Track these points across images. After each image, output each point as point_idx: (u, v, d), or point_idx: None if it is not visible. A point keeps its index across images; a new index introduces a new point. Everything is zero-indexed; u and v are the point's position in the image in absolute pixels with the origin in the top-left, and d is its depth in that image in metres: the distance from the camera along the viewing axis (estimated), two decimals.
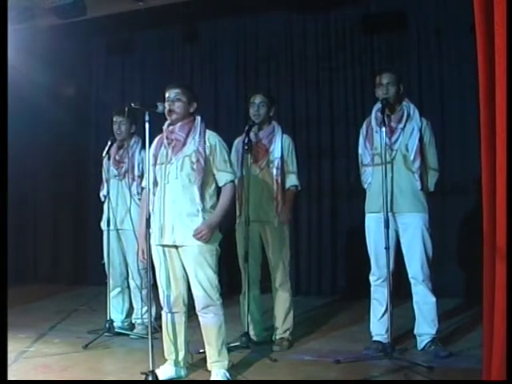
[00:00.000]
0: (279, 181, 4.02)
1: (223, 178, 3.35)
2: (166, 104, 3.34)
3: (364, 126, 4.00)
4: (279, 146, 4.05)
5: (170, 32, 6.81)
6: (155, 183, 3.37)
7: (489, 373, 2.56)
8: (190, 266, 3.29)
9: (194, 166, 3.28)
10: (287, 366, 3.67)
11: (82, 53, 7.12)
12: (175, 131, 3.36)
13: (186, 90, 3.39)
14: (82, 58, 7.16)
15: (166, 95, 3.38)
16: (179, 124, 3.36)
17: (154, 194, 3.36)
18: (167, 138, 3.38)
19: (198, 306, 3.30)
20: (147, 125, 3.24)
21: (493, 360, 2.52)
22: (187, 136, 3.35)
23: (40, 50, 6.17)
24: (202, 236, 3.23)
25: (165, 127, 3.41)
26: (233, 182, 3.39)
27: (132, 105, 3.27)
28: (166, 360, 3.44)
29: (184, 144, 3.34)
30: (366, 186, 3.97)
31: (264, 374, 3.48)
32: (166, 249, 3.34)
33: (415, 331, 3.86)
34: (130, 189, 4.47)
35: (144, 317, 4.46)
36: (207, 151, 3.31)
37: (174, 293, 3.37)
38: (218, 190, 3.43)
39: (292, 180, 4.11)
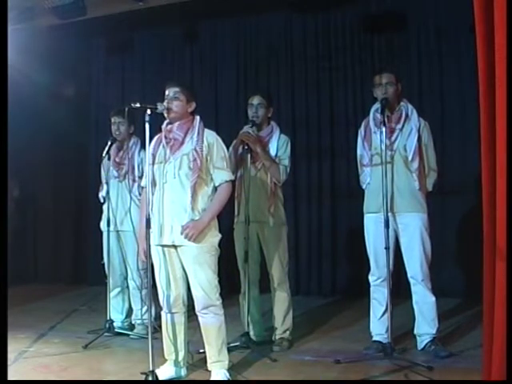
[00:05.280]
0: (273, 180, 4.01)
1: (219, 177, 3.32)
2: (165, 102, 3.34)
3: (362, 127, 4.00)
4: (275, 145, 4.06)
5: (170, 32, 6.81)
6: (154, 183, 3.37)
7: (489, 373, 2.56)
8: (189, 266, 3.28)
9: (191, 165, 3.27)
10: (287, 366, 3.66)
11: (81, 53, 7.12)
12: (173, 130, 3.36)
13: (184, 89, 3.39)
14: (82, 58, 7.17)
15: (166, 93, 3.38)
16: (177, 123, 3.36)
17: (152, 194, 3.35)
18: (166, 137, 3.38)
19: (198, 306, 3.30)
20: (147, 125, 3.24)
21: (493, 360, 2.52)
22: (185, 135, 3.34)
23: (40, 50, 6.16)
24: (187, 234, 3.21)
25: (163, 126, 3.41)
26: (229, 182, 3.35)
27: (132, 105, 3.27)
28: (165, 360, 3.44)
29: (182, 143, 3.33)
30: (364, 187, 3.97)
31: (264, 374, 3.48)
32: (166, 249, 3.33)
33: (415, 331, 3.86)
34: (130, 190, 4.46)
35: (144, 317, 4.46)
36: (205, 150, 3.30)
37: (173, 293, 3.36)
38: None
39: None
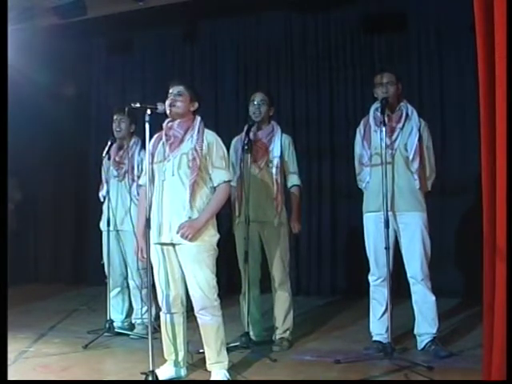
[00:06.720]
0: (278, 180, 4.01)
1: (218, 177, 3.32)
2: (169, 99, 3.34)
3: (361, 125, 3.99)
4: (278, 145, 4.06)
5: (170, 32, 6.81)
6: (153, 181, 3.36)
7: (489, 373, 2.56)
8: (187, 265, 3.28)
9: (190, 164, 3.27)
10: (287, 366, 3.66)
11: (82, 53, 7.12)
12: (174, 128, 3.36)
13: (189, 88, 3.41)
14: (82, 58, 7.17)
15: (170, 91, 3.39)
16: (178, 121, 3.36)
17: (152, 193, 3.35)
18: (166, 134, 3.38)
19: (196, 306, 3.29)
20: (147, 125, 3.24)
21: (493, 360, 2.52)
22: (185, 133, 3.34)
23: (40, 49, 6.16)
24: (183, 234, 3.20)
25: (164, 124, 3.41)
26: (228, 182, 3.35)
27: (132, 105, 3.27)
28: (165, 360, 3.44)
29: (181, 141, 3.33)
30: (363, 186, 3.96)
31: (264, 374, 3.48)
32: (165, 248, 3.33)
33: (415, 331, 3.86)
34: (129, 190, 4.47)
35: (144, 317, 4.47)
36: (204, 149, 3.29)
37: (172, 293, 3.36)
38: None
39: (294, 179, 4.13)
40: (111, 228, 4.47)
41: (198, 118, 3.41)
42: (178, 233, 3.22)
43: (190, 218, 3.24)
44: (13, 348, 3.87)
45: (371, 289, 3.93)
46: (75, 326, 4.82)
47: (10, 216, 6.52)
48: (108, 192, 4.51)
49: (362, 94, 6.00)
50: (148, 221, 3.22)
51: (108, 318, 4.41)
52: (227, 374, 3.30)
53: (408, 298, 3.90)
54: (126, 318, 4.68)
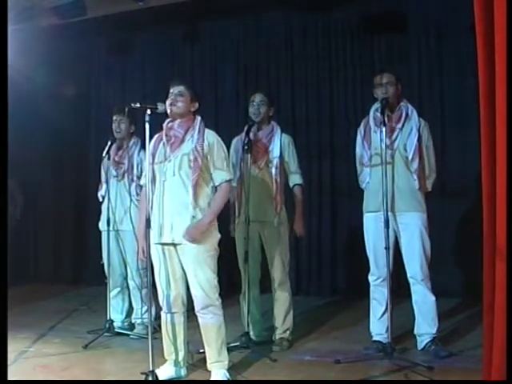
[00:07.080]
0: (278, 180, 4.02)
1: (219, 176, 3.34)
2: (169, 99, 3.35)
3: (362, 126, 4.00)
4: (278, 145, 4.06)
5: (170, 32, 6.81)
6: (153, 181, 3.37)
7: (489, 373, 2.56)
8: (188, 265, 3.29)
9: (191, 164, 3.27)
10: (287, 366, 3.67)
11: (81, 53, 7.12)
12: (174, 128, 3.37)
13: (189, 88, 3.42)
14: (82, 58, 7.16)
15: (170, 91, 3.40)
16: (178, 121, 3.37)
17: (152, 193, 3.36)
18: (166, 135, 3.39)
19: (197, 306, 3.30)
20: (147, 125, 3.24)
21: (493, 360, 2.52)
22: (186, 133, 3.35)
23: (40, 49, 6.16)
24: (190, 237, 3.22)
25: (164, 124, 3.42)
26: (229, 181, 3.37)
27: (132, 105, 3.27)
28: (165, 360, 3.44)
29: (182, 141, 3.34)
30: (363, 186, 3.97)
31: (264, 374, 3.48)
32: (166, 248, 3.33)
33: (415, 331, 3.86)
34: (129, 189, 4.47)
35: (144, 317, 4.47)
36: (205, 149, 3.31)
37: (173, 293, 3.36)
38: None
39: (296, 179, 4.13)
40: (111, 228, 4.47)
41: (199, 118, 3.42)
42: (184, 237, 3.23)
43: (193, 217, 3.25)
44: (13, 348, 3.87)
45: (371, 289, 3.93)
46: (75, 326, 4.82)
47: (10, 216, 6.53)
48: (108, 192, 4.51)
49: (362, 94, 5.99)
50: (148, 221, 3.22)
51: (108, 318, 4.41)
52: (227, 374, 3.31)
53: (408, 298, 3.90)
54: (125, 317, 4.68)
